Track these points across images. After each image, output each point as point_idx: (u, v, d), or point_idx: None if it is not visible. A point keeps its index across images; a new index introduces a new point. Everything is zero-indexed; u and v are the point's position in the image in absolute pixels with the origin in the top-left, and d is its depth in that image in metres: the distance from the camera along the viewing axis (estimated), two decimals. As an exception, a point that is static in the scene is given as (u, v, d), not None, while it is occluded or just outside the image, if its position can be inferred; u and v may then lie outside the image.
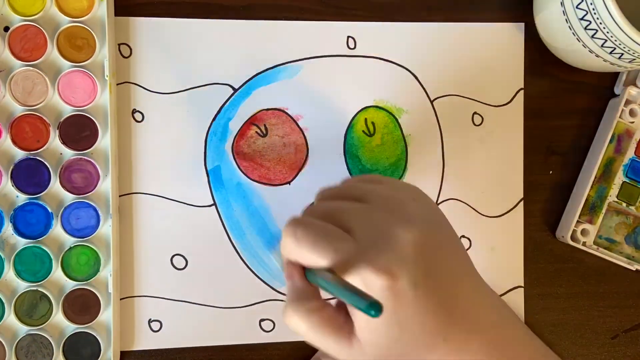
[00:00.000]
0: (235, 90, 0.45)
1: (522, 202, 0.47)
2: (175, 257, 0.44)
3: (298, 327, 0.29)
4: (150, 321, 0.44)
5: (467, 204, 0.46)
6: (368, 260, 0.27)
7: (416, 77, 0.46)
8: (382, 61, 0.46)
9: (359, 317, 0.29)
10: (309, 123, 0.45)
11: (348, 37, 0.45)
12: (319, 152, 0.45)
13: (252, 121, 0.45)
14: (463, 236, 0.46)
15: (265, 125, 0.45)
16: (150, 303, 0.44)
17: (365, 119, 0.45)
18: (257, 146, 0.45)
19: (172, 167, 0.44)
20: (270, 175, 0.45)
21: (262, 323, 0.45)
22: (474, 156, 0.47)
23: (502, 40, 0.47)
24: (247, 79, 0.45)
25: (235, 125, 0.44)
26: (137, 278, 0.44)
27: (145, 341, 0.44)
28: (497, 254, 0.47)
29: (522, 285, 0.47)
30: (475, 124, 0.47)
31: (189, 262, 0.44)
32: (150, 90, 0.44)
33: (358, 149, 0.45)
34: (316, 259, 0.28)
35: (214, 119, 0.44)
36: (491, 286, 0.44)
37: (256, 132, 0.45)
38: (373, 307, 0.25)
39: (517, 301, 0.47)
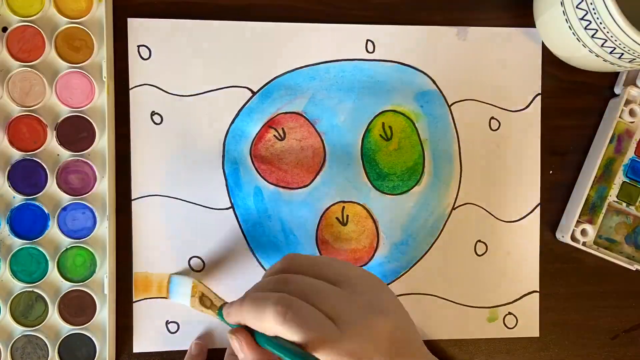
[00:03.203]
0: (253, 93, 0.45)
1: (538, 207, 0.47)
2: (193, 259, 0.44)
3: None
4: (167, 323, 0.44)
5: (484, 209, 0.46)
6: (347, 348, 0.29)
7: (434, 82, 0.46)
8: (400, 65, 0.46)
9: None
10: (327, 127, 0.45)
11: (367, 40, 0.45)
12: (336, 156, 0.45)
13: (270, 124, 0.45)
14: (479, 241, 0.46)
15: (283, 128, 0.45)
16: (167, 305, 0.44)
17: (383, 123, 0.45)
18: (274, 149, 0.45)
19: (190, 170, 0.44)
20: (288, 178, 0.45)
21: None
22: (491, 161, 0.46)
23: (519, 45, 0.47)
24: (265, 82, 0.45)
25: (253, 129, 0.44)
26: (155, 280, 0.44)
27: (163, 343, 0.44)
28: (513, 258, 0.47)
29: (538, 290, 0.47)
30: (492, 129, 0.46)
31: (207, 265, 0.44)
32: (170, 93, 0.44)
33: (375, 153, 0.45)
34: (298, 336, 0.29)
35: (232, 122, 0.44)
36: (506, 291, 0.46)
37: (274, 135, 0.45)
38: None
39: (532, 306, 0.47)
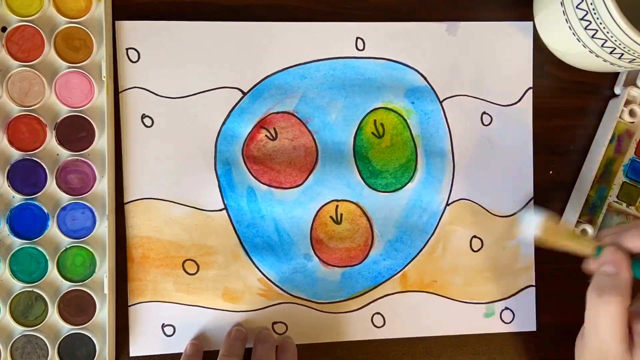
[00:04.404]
0: (244, 93, 0.44)
1: (532, 202, 0.47)
2: (187, 262, 0.44)
3: (611, 317, 0.33)
4: (163, 326, 0.44)
5: (478, 204, 0.46)
6: None
7: (425, 78, 0.46)
8: (391, 62, 0.46)
9: None
10: (318, 126, 0.45)
11: (357, 38, 0.45)
12: (328, 155, 0.45)
13: (261, 125, 0.44)
14: (474, 236, 0.46)
15: (274, 128, 0.45)
16: (163, 308, 0.44)
17: (375, 121, 0.45)
18: (267, 150, 0.44)
19: (183, 172, 0.44)
20: (281, 178, 0.44)
21: (274, 326, 0.45)
22: (483, 156, 0.46)
23: (510, 39, 0.46)
24: (256, 82, 0.44)
25: (245, 129, 0.44)
26: (150, 283, 0.44)
27: (159, 346, 0.44)
28: (508, 253, 0.47)
29: (534, 284, 0.47)
30: (484, 124, 0.46)
31: (200, 267, 0.44)
32: (159, 95, 0.44)
33: (368, 150, 0.45)
34: None
35: (223, 123, 0.44)
36: (503, 286, 0.47)
37: (266, 135, 0.44)
38: None
39: (528, 300, 0.47)
